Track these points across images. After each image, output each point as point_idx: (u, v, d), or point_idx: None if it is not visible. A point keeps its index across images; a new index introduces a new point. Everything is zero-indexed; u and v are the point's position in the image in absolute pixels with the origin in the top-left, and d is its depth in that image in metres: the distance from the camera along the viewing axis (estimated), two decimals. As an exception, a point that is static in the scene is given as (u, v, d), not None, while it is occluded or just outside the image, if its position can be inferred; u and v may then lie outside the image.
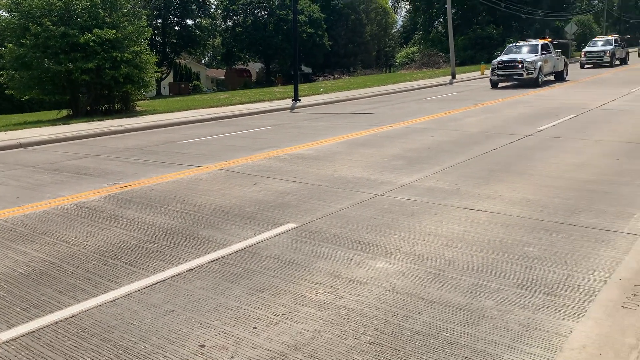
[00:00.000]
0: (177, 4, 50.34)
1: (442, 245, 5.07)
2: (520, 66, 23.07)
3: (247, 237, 5.48)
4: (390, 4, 79.40)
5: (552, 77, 25.81)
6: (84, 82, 17.71)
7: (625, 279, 4.21)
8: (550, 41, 26.86)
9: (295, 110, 19.17)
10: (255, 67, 64.61)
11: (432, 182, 7.44)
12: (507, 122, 13.04)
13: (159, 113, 18.49)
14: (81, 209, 6.86)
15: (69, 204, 7.09)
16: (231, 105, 20.69)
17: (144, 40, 20.32)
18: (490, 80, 24.43)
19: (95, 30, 17.33)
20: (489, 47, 39.13)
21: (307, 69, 59.28)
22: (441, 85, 28.08)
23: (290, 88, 24.59)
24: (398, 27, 78.69)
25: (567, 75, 26.91)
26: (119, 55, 17.52)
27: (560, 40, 35.53)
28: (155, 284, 4.46)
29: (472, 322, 3.64)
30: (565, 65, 26.61)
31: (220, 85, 59.45)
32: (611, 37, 38.01)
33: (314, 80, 48.40)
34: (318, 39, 54.25)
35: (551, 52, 25.15)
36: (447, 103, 18.62)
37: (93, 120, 16.50)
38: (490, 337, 3.44)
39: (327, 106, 20.11)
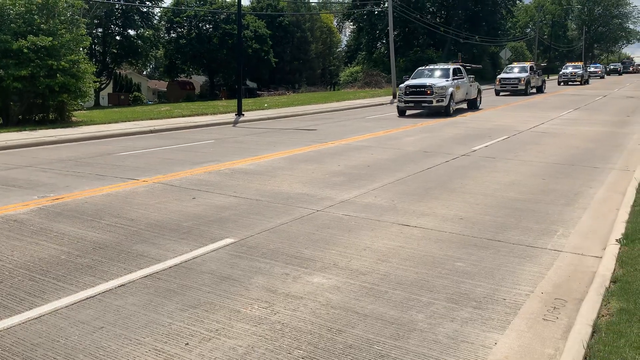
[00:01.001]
0: (119, 13, 49.13)
1: (378, 260, 5.18)
2: (429, 92, 20.34)
3: (182, 252, 5.40)
4: (335, 23, 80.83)
5: (464, 105, 23.25)
6: (16, 90, 16.91)
7: (546, 292, 4.44)
8: (463, 65, 24.47)
9: (238, 124, 19.09)
10: (199, 80, 63.84)
11: (370, 199, 7.60)
12: (443, 142, 13.50)
13: (96, 124, 17.94)
14: (7, 222, 6.54)
15: (-6, 217, 6.75)
16: (172, 117, 20.34)
17: (83, 49, 19.71)
18: (397, 107, 21.51)
19: (30, 37, 16.67)
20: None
21: (252, 84, 59.14)
22: (382, 104, 28.74)
23: (234, 102, 24.48)
24: (342, 46, 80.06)
25: (480, 103, 24.58)
26: (55, 63, 16.89)
27: (473, 66, 30.57)
28: (85, 300, 4.32)
29: (403, 335, 3.74)
30: (479, 92, 24.31)
31: (162, 98, 58.30)
32: (527, 64, 35.58)
33: (259, 96, 48.34)
34: (263, 55, 54.30)
35: (464, 78, 22.66)
36: (388, 122, 19.07)
37: (25, 130, 15.79)
38: (420, 350, 3.54)
39: (271, 121, 20.14)
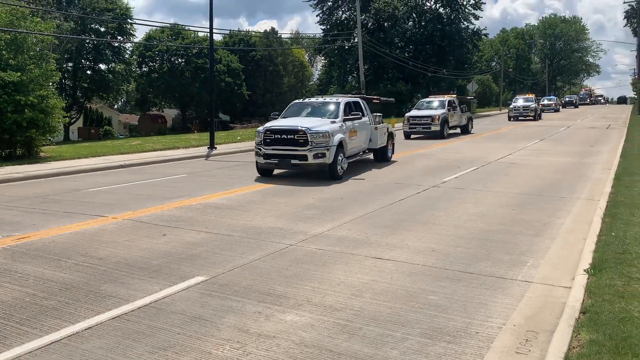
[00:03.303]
0: (90, 48, 48.97)
1: (351, 295, 5.15)
2: (302, 141, 12.41)
3: (152, 291, 5.28)
4: (307, 57, 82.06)
5: (369, 156, 15.93)
6: (-18, 126, 16.61)
7: (518, 325, 4.47)
8: (364, 98, 16.81)
9: (210, 158, 19.01)
10: (171, 113, 63.66)
11: (343, 232, 7.60)
12: (414, 173, 13.66)
13: (65, 159, 17.62)
14: (-31, 263, 6.31)
15: (-45, 258, 6.51)
16: (143, 152, 20.16)
17: (52, 84, 19.51)
18: (257, 164, 13.47)
19: (-3, 72, 16.46)
20: (398, 102, 40.71)
21: (224, 117, 59.26)
22: (355, 136, 28.93)
23: (207, 135, 24.42)
24: (315, 79, 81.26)
25: (393, 153, 17.05)
26: (23, 99, 16.65)
27: (382, 99, 20.59)
28: (49, 344, 4.17)
29: (377, 373, 3.69)
30: (390, 137, 16.68)
31: (134, 131, 57.82)
32: (445, 98, 28.14)
33: (232, 128, 48.43)
34: (236, 88, 54.64)
35: (363, 117, 14.81)
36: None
37: (-10, 166, 15.43)
38: (394, 388, 3.51)
39: (244, 154, 20.11)
